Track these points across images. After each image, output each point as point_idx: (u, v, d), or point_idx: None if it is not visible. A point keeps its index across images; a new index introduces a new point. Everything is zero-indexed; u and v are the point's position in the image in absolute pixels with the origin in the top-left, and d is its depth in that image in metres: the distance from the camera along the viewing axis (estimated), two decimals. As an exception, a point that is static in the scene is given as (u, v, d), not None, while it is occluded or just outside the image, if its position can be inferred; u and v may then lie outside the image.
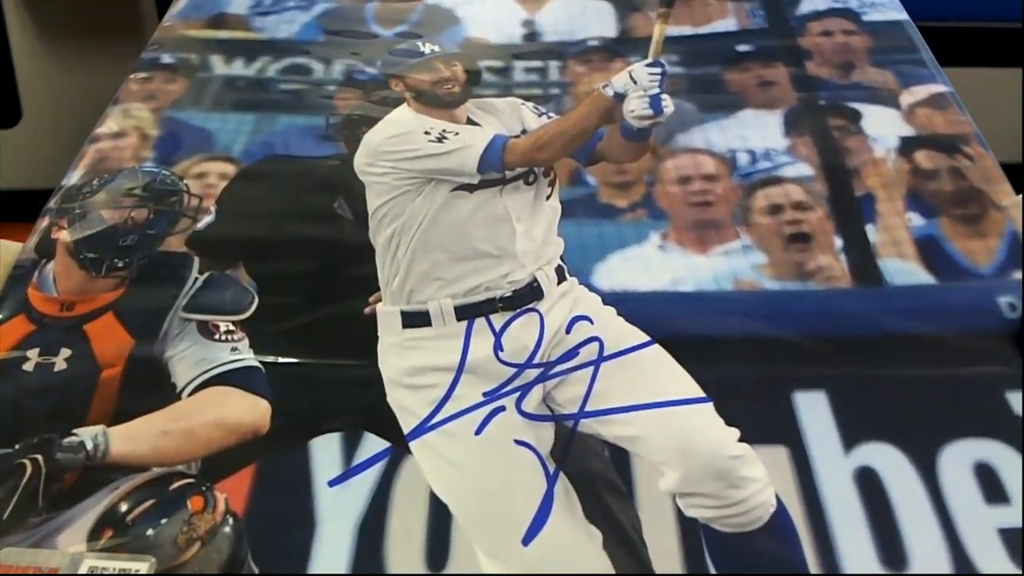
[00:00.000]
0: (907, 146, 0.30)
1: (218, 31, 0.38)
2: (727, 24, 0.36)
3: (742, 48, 0.35)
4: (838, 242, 0.28)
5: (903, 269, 0.27)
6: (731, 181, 0.30)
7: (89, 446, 0.25)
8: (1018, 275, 0.26)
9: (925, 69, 0.32)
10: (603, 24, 0.37)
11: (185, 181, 0.31)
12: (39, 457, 0.25)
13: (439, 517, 0.23)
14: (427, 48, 0.35)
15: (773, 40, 0.35)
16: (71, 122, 0.79)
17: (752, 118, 0.32)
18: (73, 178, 0.31)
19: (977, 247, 0.26)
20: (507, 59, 0.36)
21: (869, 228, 0.28)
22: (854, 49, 0.34)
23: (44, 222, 0.30)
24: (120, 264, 0.28)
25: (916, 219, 0.28)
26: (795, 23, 0.35)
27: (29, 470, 0.24)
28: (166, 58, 0.37)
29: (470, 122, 0.33)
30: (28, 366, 0.26)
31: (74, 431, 0.25)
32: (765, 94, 0.33)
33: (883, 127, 0.30)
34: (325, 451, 0.25)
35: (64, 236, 0.29)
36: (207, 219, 0.30)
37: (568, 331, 0.27)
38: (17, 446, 0.25)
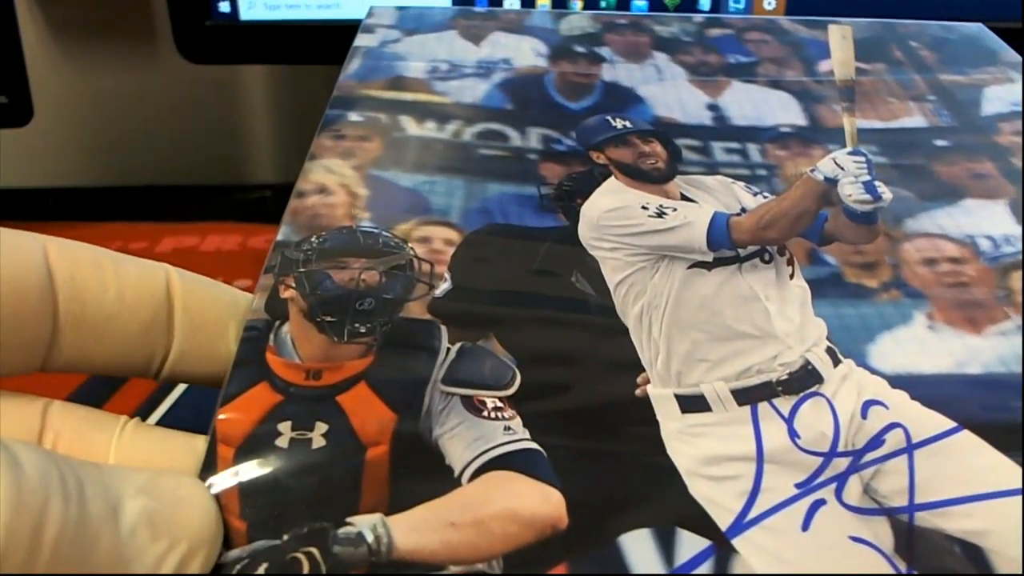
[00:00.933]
0: None
1: (401, 93, 0.36)
2: (916, 121, 0.36)
3: (940, 143, 0.35)
4: (1108, 328, 0.28)
5: None
6: (980, 263, 0.30)
7: (370, 538, 0.21)
8: None
9: None
10: (790, 113, 0.37)
11: (410, 244, 0.29)
12: (314, 551, 0.21)
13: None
14: (619, 123, 0.34)
15: (969, 137, 0.35)
16: (82, 122, 0.76)
17: (977, 207, 0.32)
18: (286, 234, 0.28)
19: None
20: (703, 139, 0.35)
21: None
22: (1047, 153, 0.35)
23: (268, 279, 0.26)
24: (362, 330, 0.25)
25: None
26: (984, 123, 0.36)
27: (306, 566, 0.21)
28: (354, 116, 0.35)
29: (684, 198, 0.32)
30: (282, 441, 0.23)
31: (348, 520, 0.22)
32: (982, 185, 0.33)
33: None
34: (639, 548, 0.22)
35: (295, 296, 0.26)
36: (444, 286, 0.28)
37: (864, 416, 0.26)
38: (286, 536, 0.21)
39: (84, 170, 0.79)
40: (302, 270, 0.27)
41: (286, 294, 0.27)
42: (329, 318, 0.26)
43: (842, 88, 0.39)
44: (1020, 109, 0.36)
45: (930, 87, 0.39)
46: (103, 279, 0.24)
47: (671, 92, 0.38)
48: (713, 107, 0.39)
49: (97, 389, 0.49)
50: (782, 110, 0.38)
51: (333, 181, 0.32)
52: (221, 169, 0.83)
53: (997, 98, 0.38)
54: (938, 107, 0.38)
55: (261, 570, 0.20)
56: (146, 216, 0.72)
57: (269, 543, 0.21)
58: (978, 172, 0.34)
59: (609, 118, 0.35)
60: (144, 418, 0.43)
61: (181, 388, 0.51)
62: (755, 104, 0.38)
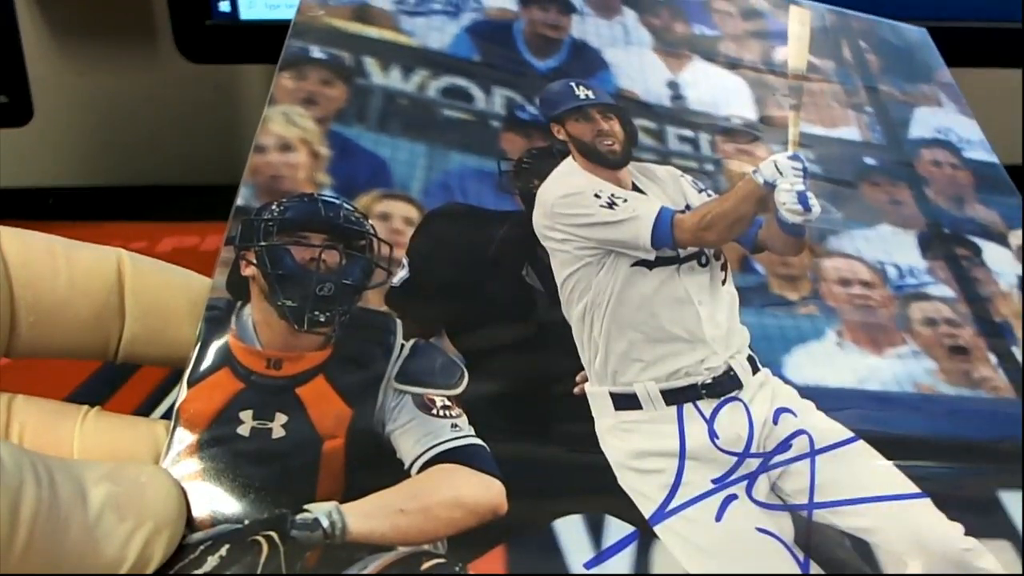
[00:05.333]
0: None
1: (367, 27, 0.36)
2: (851, 132, 0.40)
3: (869, 161, 0.39)
4: (992, 358, 0.32)
5: (1054, 387, 0.31)
6: (886, 290, 0.34)
7: (325, 523, 0.24)
8: None
9: (1021, 214, 0.37)
10: (742, 103, 0.39)
11: (370, 221, 0.30)
12: (273, 535, 0.23)
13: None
14: (582, 93, 0.36)
15: (893, 159, 0.39)
16: (82, 122, 0.76)
17: (891, 235, 0.36)
18: (246, 198, 0.29)
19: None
20: (659, 121, 0.38)
21: (1014, 350, 0.32)
22: (962, 184, 0.39)
23: (229, 252, 0.28)
24: (321, 318, 0.27)
25: (1051, 350, 0.33)
26: (908, 147, 0.40)
27: (266, 549, 0.23)
28: (317, 52, 0.35)
29: (635, 188, 0.35)
30: (243, 430, 0.25)
31: (305, 507, 0.24)
32: (898, 213, 0.37)
33: (1002, 264, 0.35)
34: (571, 533, 0.25)
35: (256, 275, 0.28)
36: (401, 274, 0.30)
37: (776, 422, 0.29)
38: (247, 521, 0.23)
39: (84, 170, 0.79)
40: (263, 243, 0.28)
41: (247, 271, 0.28)
42: (290, 303, 0.27)
43: (792, 82, 0.42)
44: (941, 137, 0.40)
45: (869, 98, 0.43)
46: (55, 265, 0.26)
47: (635, 61, 0.40)
48: (673, 84, 0.41)
49: (100, 386, 0.50)
50: (736, 99, 0.41)
51: (294, 136, 0.32)
52: (221, 169, 0.83)
53: (924, 121, 0.42)
54: (873, 121, 0.42)
55: (223, 551, 0.22)
56: (146, 216, 0.73)
57: (231, 527, 0.23)
58: (896, 198, 0.38)
59: (573, 85, 0.36)
60: (148, 412, 0.44)
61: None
62: (712, 88, 0.41)
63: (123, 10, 0.71)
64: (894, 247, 0.36)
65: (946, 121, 0.42)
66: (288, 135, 0.32)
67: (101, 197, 0.78)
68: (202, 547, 0.23)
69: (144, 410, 0.48)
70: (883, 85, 0.43)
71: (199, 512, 0.23)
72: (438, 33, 0.38)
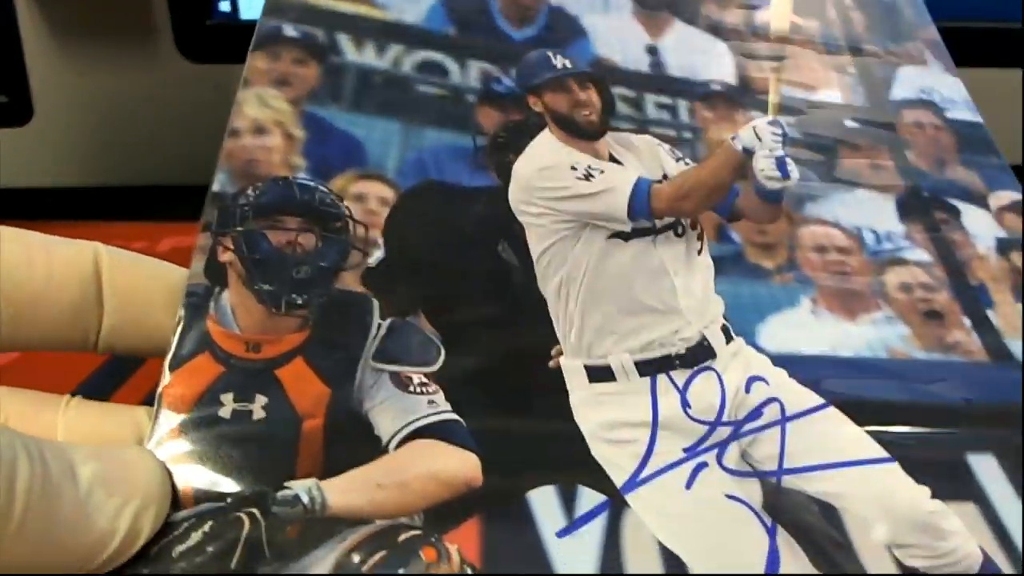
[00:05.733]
0: (1003, 247, 0.35)
1: (340, 1, 0.36)
2: (833, 95, 0.39)
3: (850, 124, 0.39)
4: (967, 322, 0.32)
5: (1029, 350, 0.32)
6: (862, 256, 0.34)
7: (305, 499, 0.25)
8: None
9: (1005, 175, 0.37)
10: (723, 68, 0.39)
11: (346, 203, 0.31)
12: (255, 511, 0.24)
13: (672, 563, 0.25)
14: (559, 62, 0.36)
15: (875, 122, 0.39)
16: (82, 122, 0.77)
17: (869, 199, 0.36)
18: (222, 183, 0.30)
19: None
20: (638, 88, 0.38)
21: (989, 313, 0.33)
22: (943, 146, 0.38)
23: (206, 238, 0.29)
24: (299, 301, 0.28)
25: (1025, 312, 0.33)
26: (891, 108, 0.40)
27: (247, 524, 0.24)
28: (290, 31, 0.35)
29: (612, 159, 0.35)
30: (224, 412, 0.26)
31: (286, 484, 0.25)
32: (877, 177, 0.37)
33: (980, 226, 0.35)
34: (544, 504, 0.26)
35: (233, 260, 0.28)
36: (377, 254, 0.30)
37: (747, 391, 0.30)
38: (229, 499, 0.24)
39: (84, 170, 0.80)
40: (240, 229, 0.29)
41: (224, 257, 0.29)
42: (267, 286, 0.28)
43: (774, 45, 0.42)
44: (925, 97, 0.40)
45: (853, 58, 0.43)
46: (31, 259, 0.27)
47: (614, 26, 0.40)
48: (652, 50, 0.41)
49: (103, 383, 0.51)
50: (716, 64, 0.40)
51: (268, 118, 0.33)
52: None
53: (908, 81, 0.42)
54: (856, 83, 0.41)
55: (206, 527, 0.24)
56: (146, 216, 0.73)
57: (214, 505, 0.24)
58: (876, 162, 0.38)
59: (550, 54, 0.36)
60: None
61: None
62: (692, 53, 0.40)
63: (123, 10, 0.71)
64: (872, 212, 0.36)
65: (930, 80, 0.41)
66: (262, 118, 0.33)
67: (101, 197, 0.78)
68: (186, 524, 0.24)
69: (150, 402, 0.50)
70: (867, 44, 0.43)
71: (184, 491, 0.24)
72: (412, 5, 0.38)
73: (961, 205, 0.37)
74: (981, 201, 0.37)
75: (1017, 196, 0.37)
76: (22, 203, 0.75)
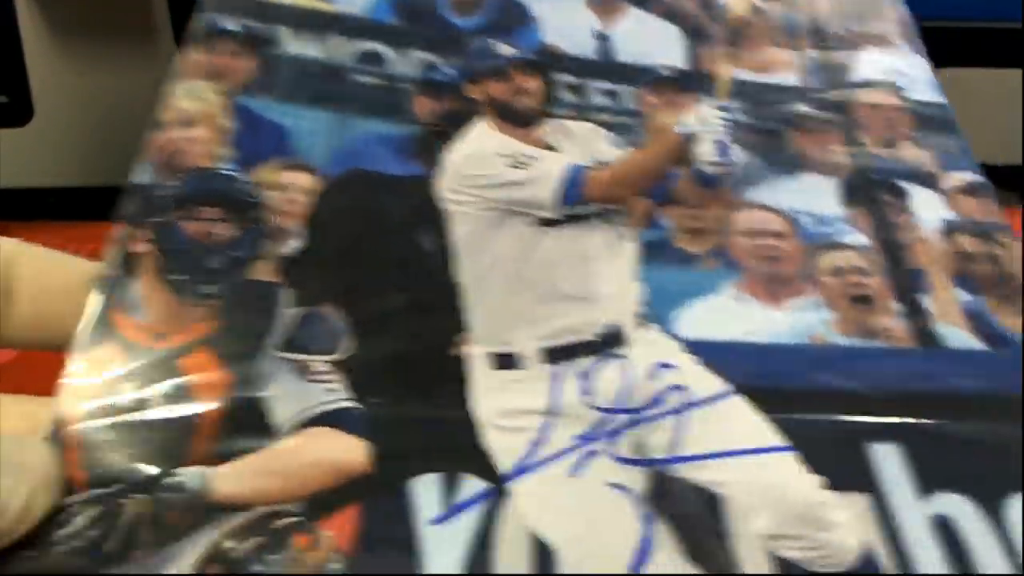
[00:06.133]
0: (950, 229, 0.33)
1: None
2: (788, 78, 0.38)
3: (802, 108, 0.37)
4: (897, 307, 0.31)
5: (957, 336, 0.30)
6: (796, 240, 0.33)
7: (191, 486, 0.26)
8: None
9: (963, 156, 0.35)
10: (672, 52, 0.39)
11: (266, 193, 0.31)
12: (140, 497, 0.26)
13: (543, 555, 0.25)
14: (502, 50, 0.37)
15: (829, 104, 0.38)
16: (82, 122, 0.80)
17: (812, 183, 0.35)
18: (144, 175, 0.31)
19: (1019, 323, 0.30)
20: (583, 76, 0.37)
21: (923, 298, 0.31)
22: (898, 127, 0.37)
23: (121, 229, 0.30)
24: (208, 292, 0.29)
25: (963, 295, 0.31)
26: (848, 90, 0.38)
27: (132, 510, 0.25)
28: (229, 24, 0.35)
29: (548, 147, 0.35)
30: (122, 401, 0.27)
31: (176, 471, 0.26)
32: (824, 160, 0.36)
33: (928, 209, 0.34)
34: (425, 491, 0.27)
35: (149, 251, 0.30)
36: (295, 244, 0.31)
37: (653, 378, 0.30)
38: (120, 485, 0.26)
39: (84, 170, 0.81)
40: (155, 219, 0.30)
41: (140, 248, 0.30)
42: (178, 276, 0.29)
43: (731, 27, 0.41)
44: (885, 78, 0.38)
45: (814, 40, 0.41)
46: None
47: (565, 13, 0.40)
48: (602, 36, 0.40)
49: None
50: (666, 49, 0.40)
51: (197, 109, 0.33)
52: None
53: (870, 61, 0.40)
54: (814, 65, 0.40)
55: (92, 512, 0.25)
56: None
57: (104, 490, 0.26)
58: (825, 145, 0.36)
59: (492, 43, 0.36)
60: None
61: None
62: (644, 39, 0.40)
63: (123, 10, 0.73)
64: (814, 196, 0.35)
65: (894, 61, 0.39)
66: (191, 110, 0.33)
67: (101, 197, 0.80)
68: (73, 509, 0.25)
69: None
70: (830, 26, 0.41)
71: (78, 477, 0.26)
72: (361, -1, 0.39)
73: (910, 187, 0.35)
74: (932, 181, 0.35)
75: (972, 177, 0.35)
76: (22, 203, 0.77)
